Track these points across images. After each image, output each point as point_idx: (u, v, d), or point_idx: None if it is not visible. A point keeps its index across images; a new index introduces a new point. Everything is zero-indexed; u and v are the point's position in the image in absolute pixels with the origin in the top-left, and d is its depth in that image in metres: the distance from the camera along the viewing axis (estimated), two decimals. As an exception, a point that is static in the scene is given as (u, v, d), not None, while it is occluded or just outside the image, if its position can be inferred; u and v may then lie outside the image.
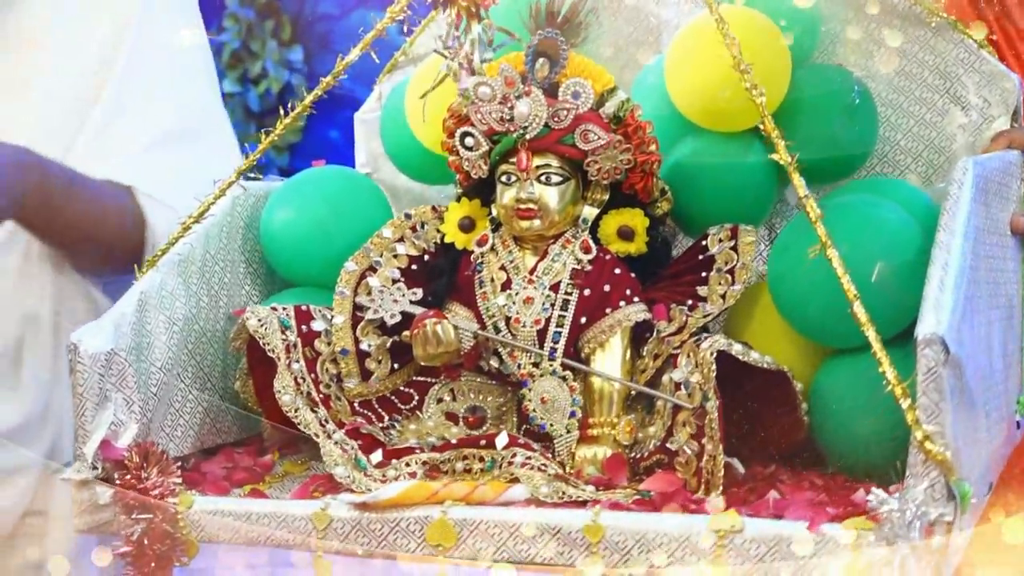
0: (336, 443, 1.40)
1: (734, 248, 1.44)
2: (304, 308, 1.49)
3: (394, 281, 1.49)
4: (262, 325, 1.45)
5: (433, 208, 1.53)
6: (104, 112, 1.81)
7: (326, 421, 1.43)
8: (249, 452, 1.55)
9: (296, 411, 1.42)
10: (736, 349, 1.32)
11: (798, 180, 1.26)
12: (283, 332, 1.46)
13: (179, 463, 1.43)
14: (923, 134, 1.63)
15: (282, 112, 1.52)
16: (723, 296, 1.43)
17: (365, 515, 1.30)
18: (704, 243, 1.47)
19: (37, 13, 1.84)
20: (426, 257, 1.51)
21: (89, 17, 1.84)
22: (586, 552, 1.23)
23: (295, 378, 1.44)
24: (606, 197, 1.45)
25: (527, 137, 1.41)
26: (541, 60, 1.41)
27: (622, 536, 1.22)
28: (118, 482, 1.37)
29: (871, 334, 1.19)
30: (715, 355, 1.31)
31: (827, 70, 1.59)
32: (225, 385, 1.58)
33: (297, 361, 1.46)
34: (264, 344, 1.44)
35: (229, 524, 1.36)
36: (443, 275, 1.49)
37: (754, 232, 1.45)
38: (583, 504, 1.28)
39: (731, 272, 1.43)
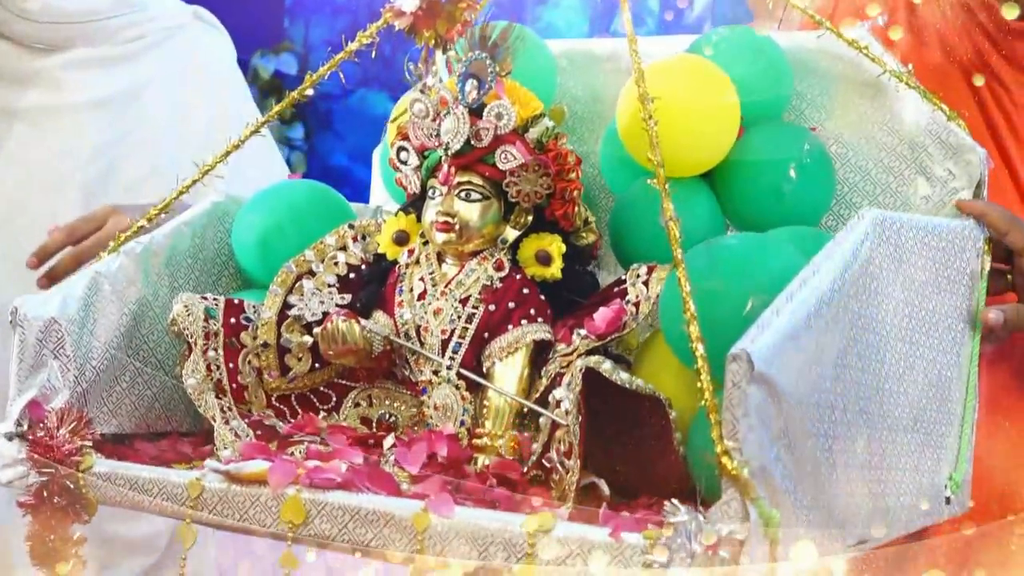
0: (231, 429, 1.46)
1: (646, 283, 1.46)
2: (236, 301, 1.56)
3: (329, 286, 1.55)
4: (186, 310, 1.52)
5: (377, 222, 1.60)
6: None
7: (229, 408, 1.49)
8: (194, 442, 1.62)
9: (200, 395, 1.49)
10: (605, 368, 1.33)
11: (668, 204, 1.27)
12: (207, 320, 1.52)
13: (113, 437, 1.52)
14: (887, 203, 1.62)
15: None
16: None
17: (232, 488, 1.35)
18: (624, 277, 1.49)
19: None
20: (363, 267, 1.57)
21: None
22: (413, 539, 1.25)
23: (208, 365, 1.51)
24: (528, 220, 1.49)
25: (449, 153, 1.46)
26: (471, 81, 1.46)
27: (444, 528, 1.24)
28: (30, 438, 1.46)
29: (699, 349, 1.20)
30: (583, 371, 1.32)
31: (782, 127, 1.60)
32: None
33: (215, 349, 1.52)
34: (182, 329, 1.51)
35: (121, 488, 1.43)
36: (372, 284, 1.54)
37: (667, 269, 1.46)
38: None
39: (637, 305, 1.45)
